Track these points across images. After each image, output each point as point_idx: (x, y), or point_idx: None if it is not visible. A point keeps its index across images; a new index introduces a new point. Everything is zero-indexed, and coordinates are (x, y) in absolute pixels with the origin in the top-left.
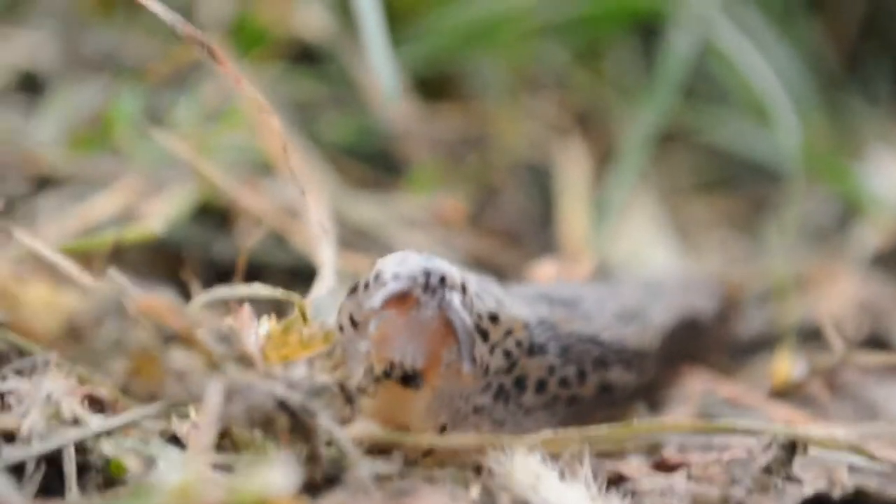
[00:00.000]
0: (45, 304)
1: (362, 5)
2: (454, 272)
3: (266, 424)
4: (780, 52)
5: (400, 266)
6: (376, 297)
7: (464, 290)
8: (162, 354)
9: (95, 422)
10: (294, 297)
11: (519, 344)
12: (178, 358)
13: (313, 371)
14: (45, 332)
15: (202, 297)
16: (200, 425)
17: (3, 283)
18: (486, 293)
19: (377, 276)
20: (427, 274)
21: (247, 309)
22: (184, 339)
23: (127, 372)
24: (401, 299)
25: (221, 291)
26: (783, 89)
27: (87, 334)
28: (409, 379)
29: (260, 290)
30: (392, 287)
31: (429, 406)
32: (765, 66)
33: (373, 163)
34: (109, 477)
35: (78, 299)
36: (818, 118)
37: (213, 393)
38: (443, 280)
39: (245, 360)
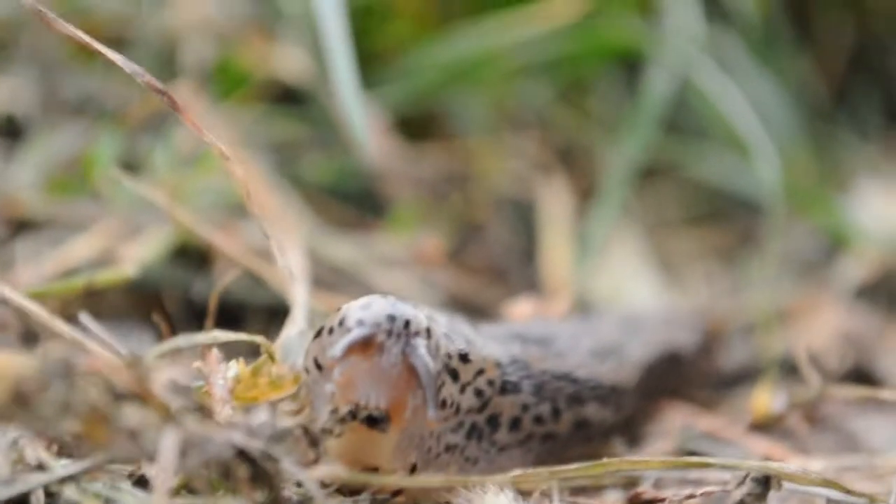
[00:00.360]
0: None
1: (333, 47)
2: (419, 316)
3: (225, 474)
4: (763, 86)
5: (364, 311)
6: (338, 346)
7: (429, 333)
8: (112, 413)
9: (60, 466)
10: (260, 339)
11: (491, 383)
12: (131, 415)
13: (275, 415)
14: None
15: (159, 348)
16: (157, 479)
17: None
18: (456, 333)
19: (341, 322)
20: (392, 319)
21: (215, 352)
22: (137, 395)
23: (75, 434)
24: (364, 345)
25: (186, 339)
26: (764, 123)
27: (34, 399)
28: (375, 421)
29: (223, 335)
30: (355, 334)
31: (397, 446)
32: (744, 101)
33: (355, 202)
34: None
35: (24, 364)
36: (804, 151)
37: (167, 448)
38: (407, 324)
39: (203, 410)
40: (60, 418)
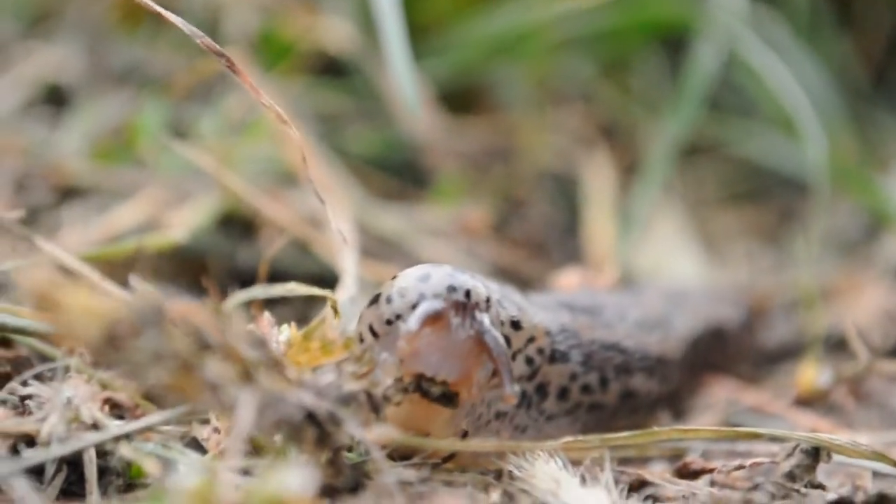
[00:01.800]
0: (84, 311)
1: (384, 19)
2: (479, 286)
3: (294, 436)
4: (806, 66)
5: (425, 284)
6: (412, 320)
7: (488, 302)
8: (199, 366)
9: (115, 426)
10: (327, 294)
11: (541, 351)
12: (213, 369)
13: (341, 378)
14: (84, 340)
15: (237, 297)
16: (228, 435)
17: (43, 288)
18: (508, 300)
19: (402, 293)
20: (453, 290)
21: (267, 316)
22: (219, 348)
23: (163, 385)
24: (434, 318)
25: (255, 292)
26: (809, 102)
27: (126, 344)
28: (443, 398)
29: (296, 289)
30: (426, 308)
31: (453, 416)
32: (791, 78)
33: (399, 174)
34: (130, 481)
35: (118, 307)
36: (846, 131)
37: (245, 406)
38: (468, 295)
39: (277, 367)
40: (151, 366)
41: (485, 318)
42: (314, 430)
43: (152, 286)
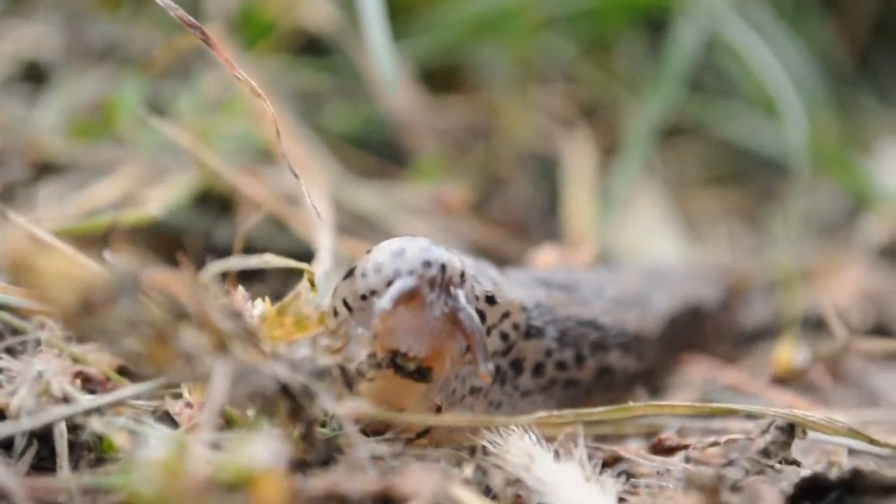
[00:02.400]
0: (60, 277)
1: None
2: (453, 260)
3: (267, 408)
4: (789, 49)
5: (400, 260)
6: (386, 298)
7: (462, 277)
8: (173, 336)
9: (86, 400)
10: (303, 267)
11: (516, 326)
12: (188, 338)
13: (316, 352)
14: (60, 304)
15: (212, 268)
16: (202, 407)
17: (19, 254)
18: (483, 276)
19: (377, 268)
20: (428, 265)
21: (241, 290)
22: (195, 318)
23: (138, 353)
24: (409, 297)
25: (231, 263)
26: (791, 84)
27: (101, 311)
28: (416, 373)
29: (272, 261)
30: (400, 286)
31: (427, 392)
32: (773, 60)
33: (378, 152)
34: (101, 455)
35: (94, 274)
36: (828, 114)
37: (220, 376)
38: (443, 270)
39: (252, 339)
40: (125, 334)
41: (460, 294)
42: (287, 403)
43: (129, 256)
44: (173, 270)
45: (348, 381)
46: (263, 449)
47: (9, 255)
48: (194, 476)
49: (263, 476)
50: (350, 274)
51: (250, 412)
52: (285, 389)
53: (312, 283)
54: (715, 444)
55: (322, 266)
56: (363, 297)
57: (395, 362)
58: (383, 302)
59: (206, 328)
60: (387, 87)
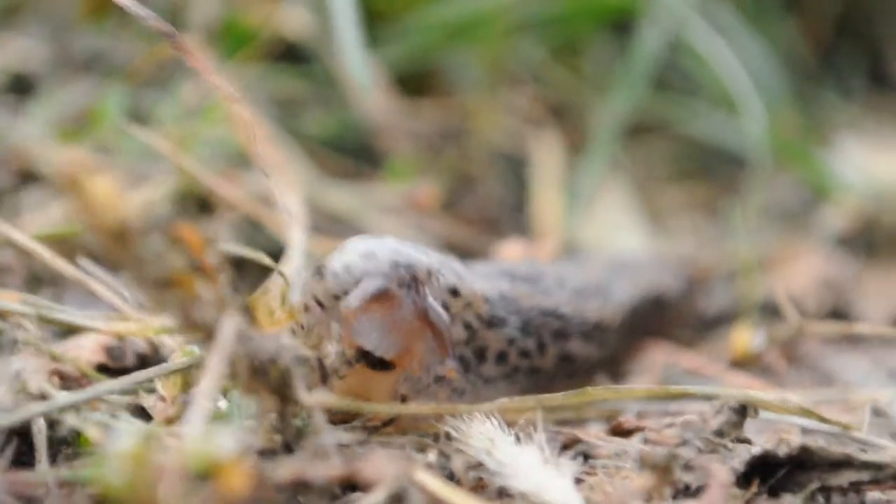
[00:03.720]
0: (105, 199)
1: (337, 4)
2: (421, 259)
3: (260, 373)
4: (752, 48)
5: (369, 260)
6: (355, 298)
7: (429, 274)
8: (190, 280)
9: (62, 396)
10: (274, 265)
11: (479, 317)
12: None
13: (296, 339)
14: (101, 225)
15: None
16: (173, 404)
17: (74, 171)
18: (447, 268)
19: (347, 269)
20: (397, 266)
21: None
22: (206, 274)
23: (162, 283)
24: (377, 297)
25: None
26: (752, 82)
27: (134, 241)
28: (382, 365)
29: (245, 253)
30: (369, 288)
31: (395, 385)
32: (733, 59)
33: (353, 155)
34: (79, 450)
35: (133, 206)
36: (790, 110)
37: (228, 328)
38: (412, 271)
39: (248, 313)
40: (154, 264)
41: (428, 295)
42: (277, 374)
43: (103, 267)
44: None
45: (324, 375)
46: (229, 438)
47: (63, 170)
48: (163, 466)
49: (230, 465)
50: (318, 272)
51: (239, 382)
52: (275, 361)
53: (285, 280)
54: (671, 425)
55: (293, 263)
56: (335, 297)
57: (365, 357)
58: (352, 301)
59: (213, 287)
60: (361, 91)
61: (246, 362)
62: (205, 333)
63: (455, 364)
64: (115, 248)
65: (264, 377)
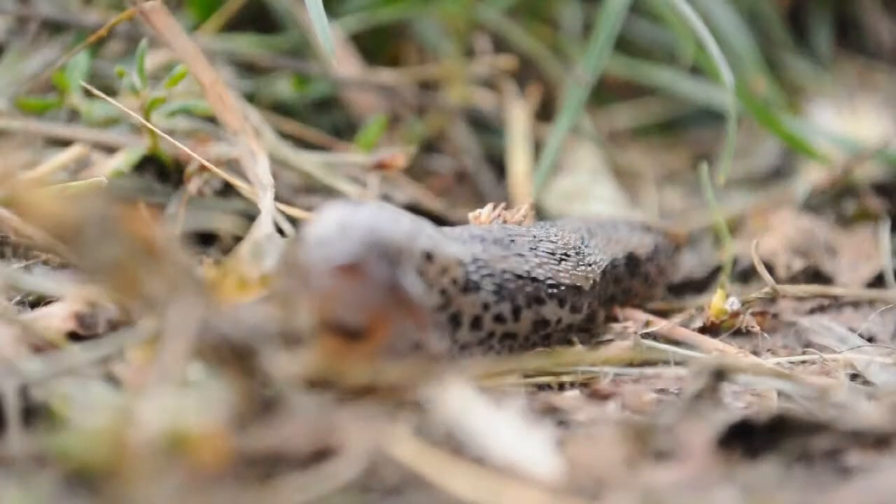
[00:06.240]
0: (46, 208)
1: None
2: (397, 233)
3: (216, 352)
4: (718, 11)
5: (344, 230)
6: (321, 265)
7: (404, 250)
8: (138, 272)
9: (34, 366)
10: (244, 234)
11: (454, 282)
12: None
13: (260, 312)
14: (40, 219)
15: (174, 208)
16: (167, 343)
17: (14, 186)
18: (421, 233)
19: (320, 239)
20: (370, 240)
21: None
22: (156, 257)
23: (107, 275)
24: (348, 268)
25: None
26: (722, 43)
27: (73, 237)
28: (353, 335)
29: (221, 223)
30: (338, 257)
31: (368, 354)
32: (700, 21)
33: (321, 121)
34: (51, 421)
35: (71, 206)
36: (759, 72)
37: (179, 313)
38: (387, 245)
39: (206, 289)
40: (99, 263)
41: (401, 269)
42: (234, 353)
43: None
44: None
45: (291, 342)
46: (201, 409)
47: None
48: (136, 438)
49: (201, 436)
50: (296, 239)
51: (196, 365)
52: (230, 344)
53: (256, 247)
54: (648, 390)
55: (263, 229)
56: (306, 266)
57: (335, 327)
58: (321, 267)
59: (164, 272)
60: (325, 55)
61: (202, 345)
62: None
63: (439, 343)
64: (57, 246)
65: (224, 356)
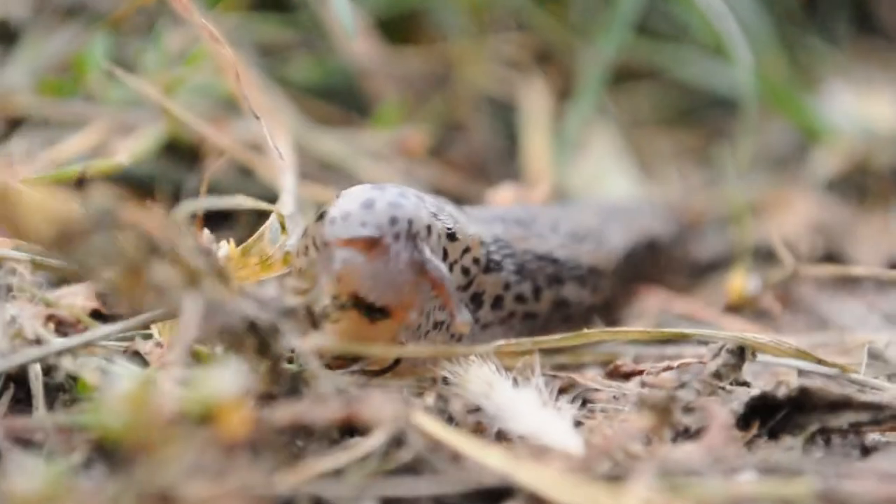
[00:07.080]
0: (39, 210)
1: None
2: (420, 213)
3: (235, 343)
4: None
5: (368, 210)
6: (345, 238)
7: (429, 230)
8: (146, 269)
9: (58, 341)
10: (271, 208)
11: (476, 261)
12: (160, 272)
13: (283, 291)
14: (37, 235)
15: (183, 208)
16: (171, 345)
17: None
18: (444, 213)
19: (345, 217)
20: (395, 219)
21: (207, 233)
22: (167, 253)
23: (112, 286)
24: (369, 243)
25: (201, 203)
26: (740, 26)
27: (77, 244)
28: (375, 312)
29: (247, 201)
30: (359, 232)
31: (392, 332)
32: (719, 2)
33: (340, 102)
34: (76, 395)
35: (71, 208)
36: (776, 56)
37: (190, 310)
38: (410, 224)
39: (221, 276)
40: (101, 265)
41: (426, 248)
42: (254, 339)
43: (104, 195)
44: (146, 209)
45: (314, 321)
46: (228, 381)
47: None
48: (162, 409)
49: (229, 407)
50: (320, 217)
51: (218, 348)
52: (253, 326)
53: (282, 225)
54: (668, 368)
55: (286, 208)
56: (329, 243)
57: (358, 305)
58: (342, 246)
59: (177, 264)
60: (346, 37)
61: (218, 337)
62: (171, 319)
63: (466, 318)
64: (61, 255)
65: (242, 344)
